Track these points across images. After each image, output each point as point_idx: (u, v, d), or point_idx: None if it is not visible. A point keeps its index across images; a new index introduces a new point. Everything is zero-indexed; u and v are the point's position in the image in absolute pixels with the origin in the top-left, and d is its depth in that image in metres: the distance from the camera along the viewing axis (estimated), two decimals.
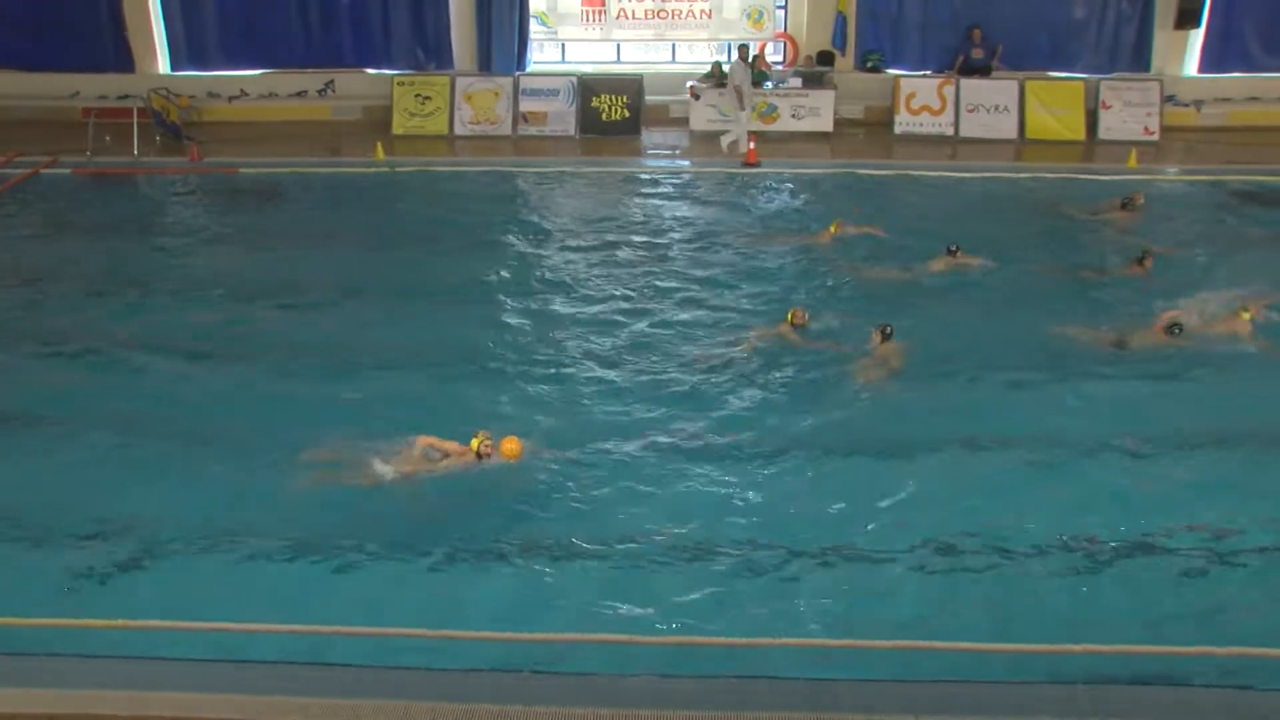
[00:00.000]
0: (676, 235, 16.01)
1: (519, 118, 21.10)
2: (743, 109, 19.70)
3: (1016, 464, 9.91)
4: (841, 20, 21.40)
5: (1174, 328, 12.15)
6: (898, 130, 20.95)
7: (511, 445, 9.62)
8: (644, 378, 11.56)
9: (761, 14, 21.69)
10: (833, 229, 15.30)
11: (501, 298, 13.69)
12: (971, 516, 9.07)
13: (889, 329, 11.74)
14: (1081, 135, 20.96)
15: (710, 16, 21.74)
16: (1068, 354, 12.04)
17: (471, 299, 13.60)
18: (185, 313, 13.19)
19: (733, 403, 11.09)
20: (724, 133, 19.87)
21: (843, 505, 9.27)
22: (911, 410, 10.84)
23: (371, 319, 13.02)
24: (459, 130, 21.11)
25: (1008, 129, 20.89)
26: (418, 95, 21.22)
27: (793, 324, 12.21)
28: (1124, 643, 7.43)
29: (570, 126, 21.07)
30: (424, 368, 11.64)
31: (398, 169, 18.96)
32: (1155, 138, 20.78)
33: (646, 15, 21.86)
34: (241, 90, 22.02)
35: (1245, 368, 11.78)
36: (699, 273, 14.56)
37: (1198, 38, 21.61)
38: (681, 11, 21.79)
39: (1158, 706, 6.82)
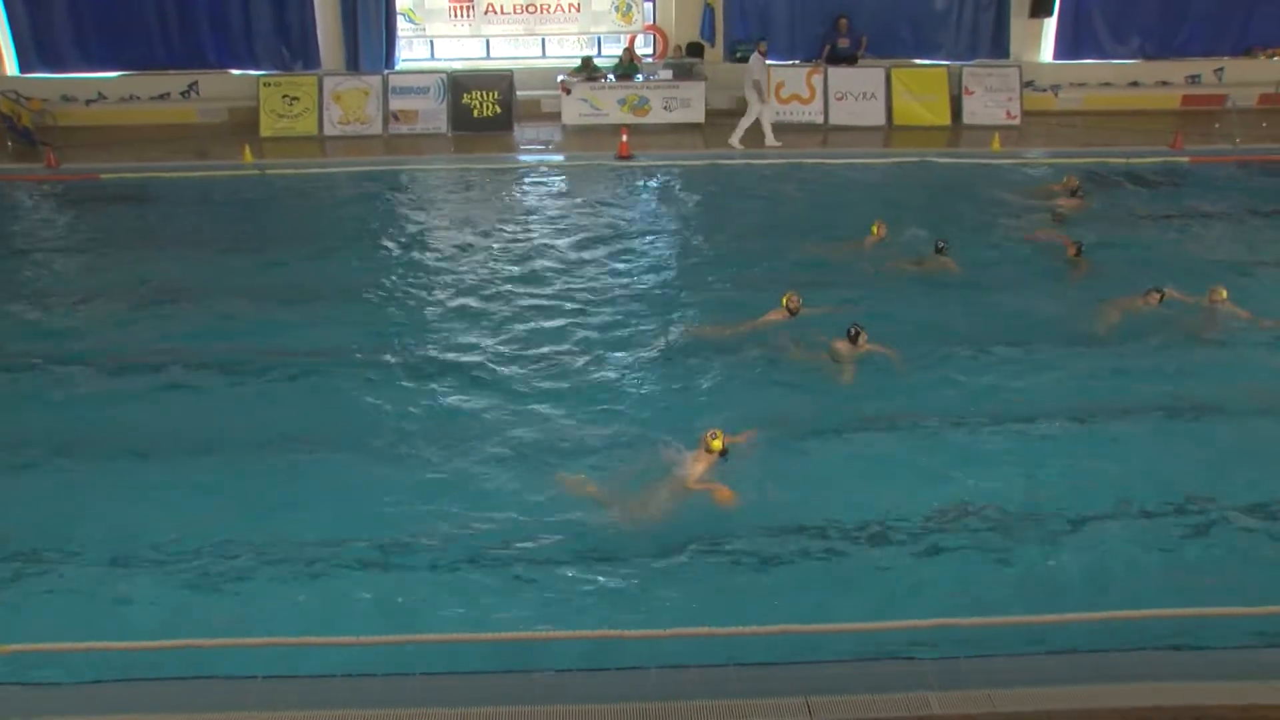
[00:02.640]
0: (553, 229, 16.01)
1: (390, 116, 20.82)
2: (763, 101, 19.70)
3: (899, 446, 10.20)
4: (709, 12, 21.61)
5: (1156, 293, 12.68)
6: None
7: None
8: (557, 374, 11.52)
9: (630, 7, 21.72)
10: (875, 231, 14.91)
11: (383, 297, 13.55)
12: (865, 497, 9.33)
13: (856, 330, 11.57)
14: (947, 120, 21.48)
15: (579, 10, 21.67)
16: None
17: (354, 300, 13.41)
18: (55, 323, 12.81)
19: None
20: (758, 128, 19.85)
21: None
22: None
23: (252, 323, 12.74)
24: (329, 131, 20.73)
25: (875, 116, 21.32)
26: (285, 96, 20.79)
27: (787, 309, 12.22)
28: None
29: (442, 124, 20.86)
30: (316, 372, 11.47)
31: (268, 171, 18.54)
32: (1016, 122, 21.40)
33: (515, 10, 21.69)
34: (99, 93, 21.33)
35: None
36: (579, 265, 14.62)
37: (1051, 26, 22.38)
38: (550, 6, 21.69)
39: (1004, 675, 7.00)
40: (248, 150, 18.92)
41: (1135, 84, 22.56)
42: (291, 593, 8.16)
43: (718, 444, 9.26)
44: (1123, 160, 19.07)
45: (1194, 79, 22.48)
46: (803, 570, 8.51)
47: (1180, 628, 7.55)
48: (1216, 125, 20.90)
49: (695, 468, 9.27)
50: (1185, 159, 19.22)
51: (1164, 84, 22.55)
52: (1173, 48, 22.66)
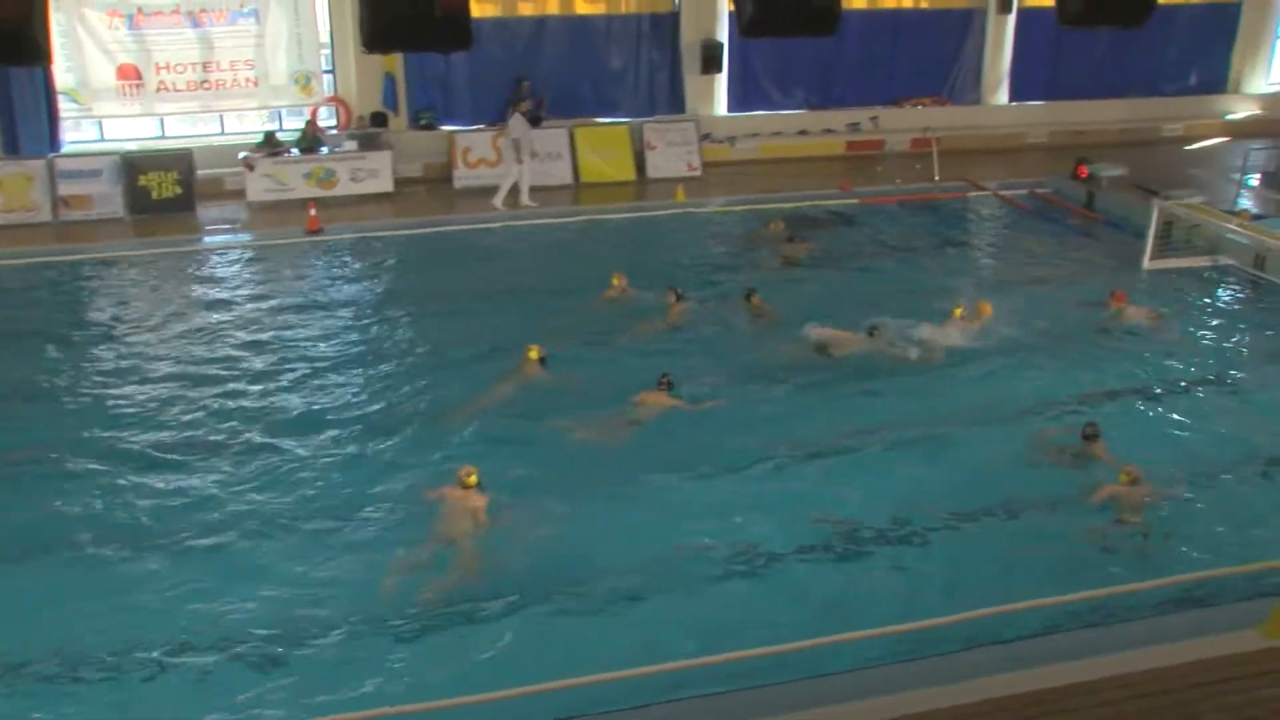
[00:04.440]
0: (246, 310, 15.56)
1: (59, 202, 19.65)
2: (519, 161, 19.89)
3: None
4: (390, 81, 21.60)
5: (873, 329, 13.66)
6: (458, 184, 21.38)
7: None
8: (274, 457, 11.30)
9: (309, 79, 21.39)
10: (615, 283, 15.28)
11: (70, 395, 12.80)
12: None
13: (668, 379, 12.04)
14: (632, 175, 22.25)
15: (256, 85, 21.19)
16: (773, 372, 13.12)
17: (35, 400, 12.66)
18: None
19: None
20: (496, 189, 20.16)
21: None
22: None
23: None
24: None
25: (563, 174, 21.82)
26: None
27: (535, 359, 12.55)
28: None
29: (118, 208, 19.84)
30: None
31: None
32: (698, 173, 22.40)
33: (189, 86, 20.99)
34: None
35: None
36: (290, 340, 14.52)
37: (723, 82, 23.61)
38: (226, 81, 21.10)
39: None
40: None
41: (804, 132, 24.06)
42: None
43: (473, 479, 9.64)
44: (798, 204, 20.24)
45: (854, 127, 24.20)
46: (566, 619, 8.76)
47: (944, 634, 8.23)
48: (879, 169, 22.62)
49: (465, 505, 9.58)
50: (855, 200, 20.63)
51: (829, 131, 24.14)
52: (832, 98, 24.39)
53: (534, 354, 12.64)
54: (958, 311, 14.08)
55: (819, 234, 18.72)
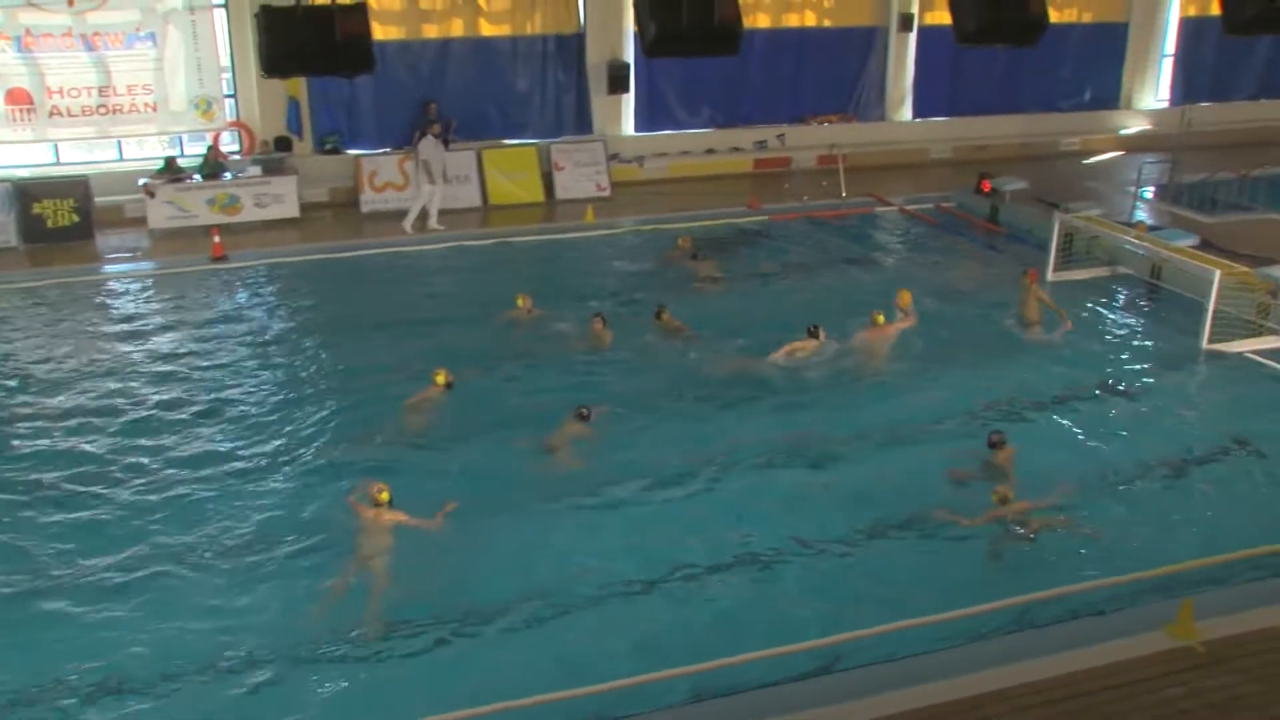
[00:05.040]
0: (151, 341, 15.20)
1: None
2: (431, 183, 19.73)
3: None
4: (294, 105, 21.30)
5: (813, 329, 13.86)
6: (365, 209, 21.18)
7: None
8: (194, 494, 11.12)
9: (210, 104, 20.91)
10: (520, 304, 15.23)
11: None
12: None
13: (586, 411, 11.91)
14: (540, 197, 22.21)
15: (155, 109, 20.64)
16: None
17: None
18: None
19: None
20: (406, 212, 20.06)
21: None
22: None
23: None
24: None
25: (471, 197, 21.72)
26: None
27: (443, 384, 12.44)
28: None
29: (11, 237, 19.26)
30: None
31: None
32: (607, 193, 22.42)
33: (85, 111, 20.37)
34: None
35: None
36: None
37: (630, 102, 23.67)
38: (124, 106, 20.54)
39: None
40: None
41: (711, 151, 24.22)
42: None
43: (385, 495, 9.55)
44: (707, 222, 20.34)
45: (761, 144, 24.45)
46: (491, 639, 8.78)
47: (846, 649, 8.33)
48: (786, 185, 22.86)
49: (378, 523, 9.52)
50: (764, 217, 20.82)
51: (737, 150, 24.36)
52: (739, 117, 24.59)
53: (440, 379, 12.52)
54: (879, 318, 14.22)
55: (728, 253, 18.84)
